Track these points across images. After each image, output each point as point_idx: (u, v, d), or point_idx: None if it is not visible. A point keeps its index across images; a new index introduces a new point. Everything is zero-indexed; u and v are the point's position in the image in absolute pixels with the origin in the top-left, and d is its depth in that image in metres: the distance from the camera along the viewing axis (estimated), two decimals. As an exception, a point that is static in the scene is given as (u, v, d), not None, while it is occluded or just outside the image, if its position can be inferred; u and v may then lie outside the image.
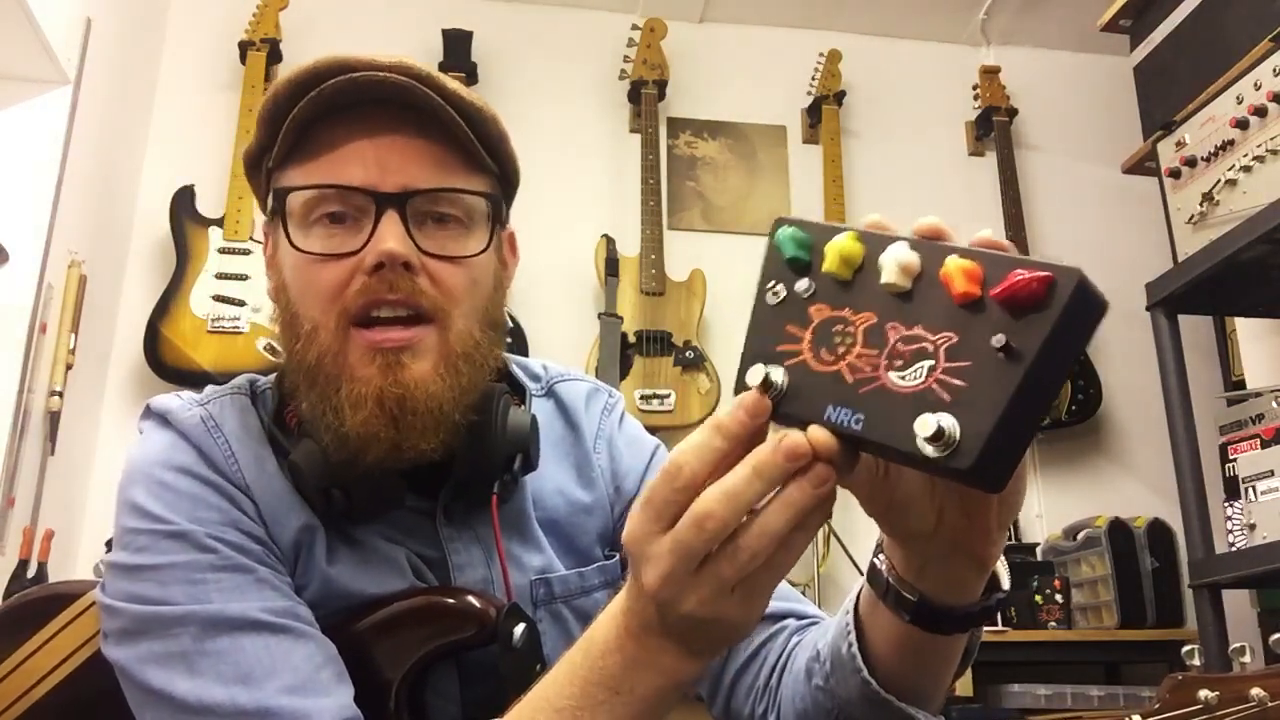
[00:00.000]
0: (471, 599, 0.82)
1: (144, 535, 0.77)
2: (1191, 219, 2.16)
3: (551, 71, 3.40)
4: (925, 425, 0.51)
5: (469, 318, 0.83)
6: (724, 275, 3.19)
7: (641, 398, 2.93)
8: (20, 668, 0.88)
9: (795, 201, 3.45)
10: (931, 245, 0.56)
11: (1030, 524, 3.18)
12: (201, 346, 2.76)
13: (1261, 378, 2.59)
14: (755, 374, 0.59)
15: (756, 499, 0.54)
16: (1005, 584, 0.68)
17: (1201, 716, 0.97)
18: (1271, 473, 1.95)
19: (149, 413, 0.86)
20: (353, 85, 0.80)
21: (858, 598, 0.74)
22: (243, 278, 2.84)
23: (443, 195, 0.83)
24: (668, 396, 2.96)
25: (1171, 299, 2.21)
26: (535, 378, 1.00)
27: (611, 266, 3.09)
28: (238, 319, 2.79)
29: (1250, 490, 1.99)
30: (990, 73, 3.57)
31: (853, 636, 0.72)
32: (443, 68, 3.11)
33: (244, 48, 3.11)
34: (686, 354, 3.01)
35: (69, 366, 2.47)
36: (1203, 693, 0.97)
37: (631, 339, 3.02)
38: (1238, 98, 2.04)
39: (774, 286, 0.62)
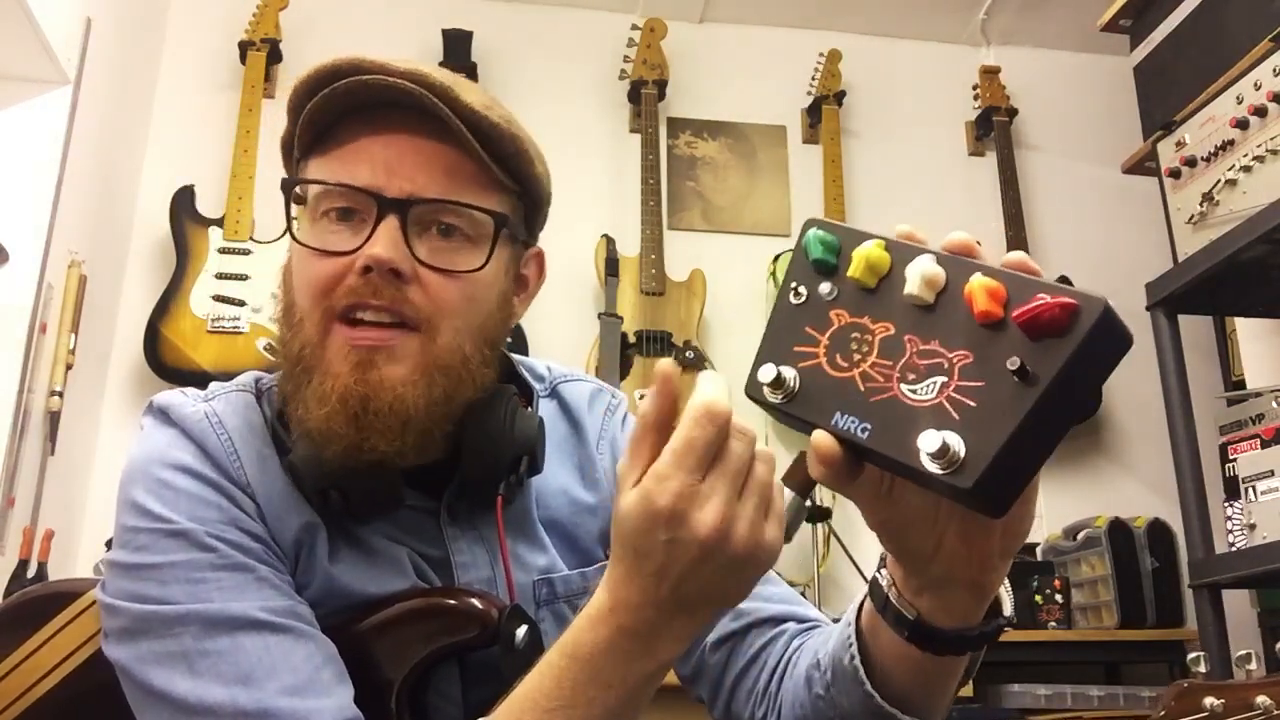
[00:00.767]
0: (473, 600, 0.82)
1: (144, 534, 0.77)
2: (1191, 219, 2.16)
3: (551, 71, 3.40)
4: (930, 441, 0.51)
5: (460, 332, 0.82)
6: (724, 275, 3.19)
7: (642, 398, 2.93)
8: (21, 666, 0.88)
9: (795, 201, 3.45)
10: (958, 261, 0.56)
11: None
12: (201, 346, 2.76)
13: (1261, 378, 2.59)
14: (767, 372, 0.59)
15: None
16: (1008, 611, 0.68)
17: (1207, 724, 0.97)
18: (1271, 473, 1.95)
19: (151, 408, 0.86)
20: (363, 87, 0.80)
21: (859, 608, 0.73)
22: (243, 278, 2.84)
23: (446, 206, 0.82)
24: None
25: (1171, 299, 2.21)
26: (539, 378, 1.00)
27: (611, 266, 3.09)
28: (238, 319, 2.79)
29: (1250, 490, 1.99)
30: (990, 73, 3.57)
31: (855, 649, 0.72)
32: (442, 67, 3.10)
33: (244, 48, 3.11)
34: (686, 354, 3.01)
35: (69, 366, 2.47)
36: (1208, 700, 0.97)
37: (631, 339, 3.02)
38: (1238, 98, 2.04)
39: (797, 287, 0.61)
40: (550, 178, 0.92)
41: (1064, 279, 3.33)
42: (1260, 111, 1.99)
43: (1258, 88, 1.99)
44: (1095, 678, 2.92)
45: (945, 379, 0.53)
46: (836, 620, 0.80)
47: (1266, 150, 1.97)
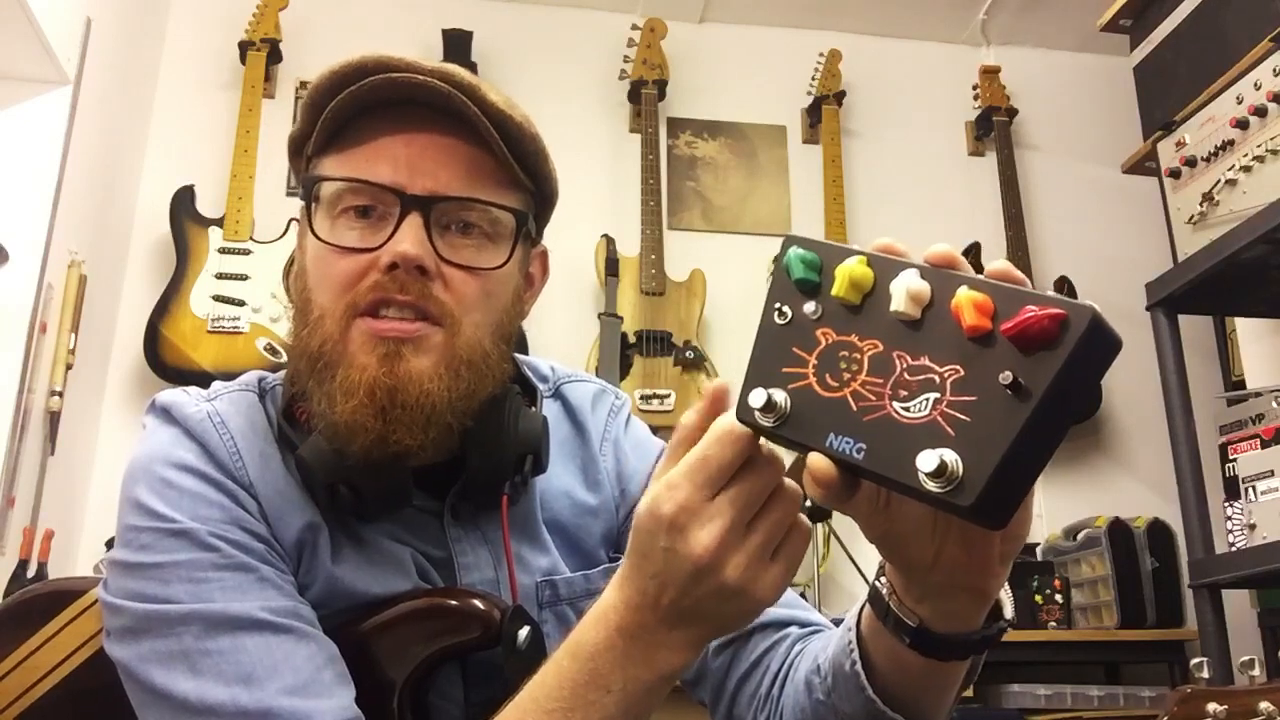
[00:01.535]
0: (476, 601, 0.82)
1: (146, 533, 0.77)
2: (1191, 219, 2.16)
3: (551, 71, 3.40)
4: (927, 460, 0.51)
5: (480, 327, 0.83)
6: (724, 275, 3.19)
7: (642, 398, 2.93)
8: (23, 664, 0.88)
9: (795, 201, 3.45)
10: (943, 274, 0.55)
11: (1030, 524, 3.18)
12: (202, 346, 2.76)
13: (1261, 378, 2.59)
14: (758, 396, 0.59)
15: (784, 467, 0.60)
16: (1009, 613, 0.67)
17: (1210, 731, 0.97)
18: (1271, 473, 1.95)
19: (154, 407, 0.85)
20: (391, 85, 0.81)
21: (860, 614, 0.73)
22: (243, 278, 2.84)
23: (469, 205, 0.83)
24: (668, 397, 2.96)
25: (1171, 299, 2.21)
26: (543, 378, 1.00)
27: (611, 266, 3.09)
28: (238, 319, 2.79)
29: (1250, 490, 1.99)
30: (990, 73, 3.57)
31: (856, 654, 0.72)
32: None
33: (244, 48, 3.11)
34: (686, 354, 3.01)
35: (69, 366, 2.46)
36: (1211, 706, 0.96)
37: (631, 339, 3.02)
38: (1238, 98, 2.04)
39: (781, 307, 0.61)
40: (558, 177, 0.92)
41: (1064, 279, 3.34)
42: (1260, 111, 1.99)
43: (1258, 88, 1.99)
44: (1095, 678, 2.92)
45: (937, 395, 0.53)
46: (838, 622, 0.80)
47: (1266, 150, 1.97)
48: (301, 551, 0.82)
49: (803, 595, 0.91)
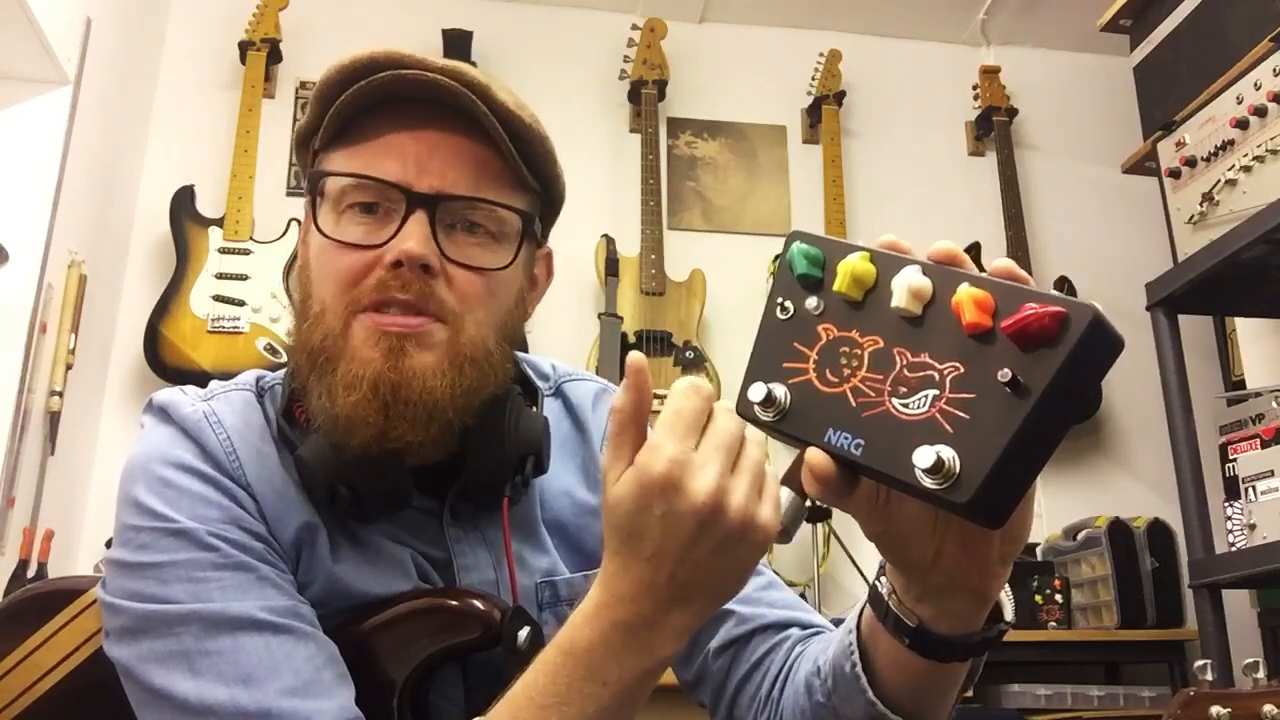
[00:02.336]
0: (476, 601, 0.82)
1: (145, 533, 0.77)
2: (1191, 219, 2.16)
3: (551, 71, 3.40)
4: (924, 456, 0.51)
5: (483, 326, 0.83)
6: (724, 275, 3.19)
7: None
8: (23, 663, 0.88)
9: (795, 201, 3.45)
10: (945, 271, 0.55)
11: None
12: (201, 346, 2.76)
13: (1261, 378, 2.59)
14: (757, 390, 0.59)
15: None
16: (1009, 615, 0.67)
17: (1214, 733, 0.96)
18: (1271, 473, 1.95)
19: (151, 407, 0.85)
20: (402, 82, 0.80)
21: (860, 616, 0.73)
22: (243, 278, 2.84)
23: (475, 204, 0.82)
24: (668, 396, 2.96)
25: (1171, 299, 2.21)
26: (544, 377, 0.99)
27: (611, 266, 3.09)
28: (238, 319, 2.79)
29: (1250, 490, 1.99)
30: (990, 73, 3.57)
31: (856, 656, 0.72)
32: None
33: (244, 48, 3.11)
34: (686, 354, 3.01)
35: (69, 366, 2.46)
36: (1214, 709, 0.96)
37: (631, 339, 3.02)
38: (1238, 98, 2.04)
39: (783, 302, 0.61)
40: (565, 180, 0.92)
41: (1064, 279, 3.34)
42: (1260, 111, 1.99)
43: (1258, 88, 1.99)
44: (1095, 678, 2.92)
45: (937, 392, 0.53)
46: (838, 623, 0.80)
47: (1266, 150, 1.97)
48: (300, 551, 0.82)
49: (802, 596, 0.91)
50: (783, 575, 0.94)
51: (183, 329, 2.77)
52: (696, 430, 0.59)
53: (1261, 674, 1.00)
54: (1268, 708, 0.94)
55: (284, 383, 0.88)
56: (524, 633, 0.81)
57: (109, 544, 0.82)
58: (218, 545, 0.77)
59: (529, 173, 0.86)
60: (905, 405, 0.54)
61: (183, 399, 0.85)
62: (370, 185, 0.82)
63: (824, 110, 3.44)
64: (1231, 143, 2.06)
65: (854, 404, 0.56)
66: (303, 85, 3.24)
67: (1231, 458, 2.11)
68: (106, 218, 2.82)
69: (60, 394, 2.43)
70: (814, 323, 0.59)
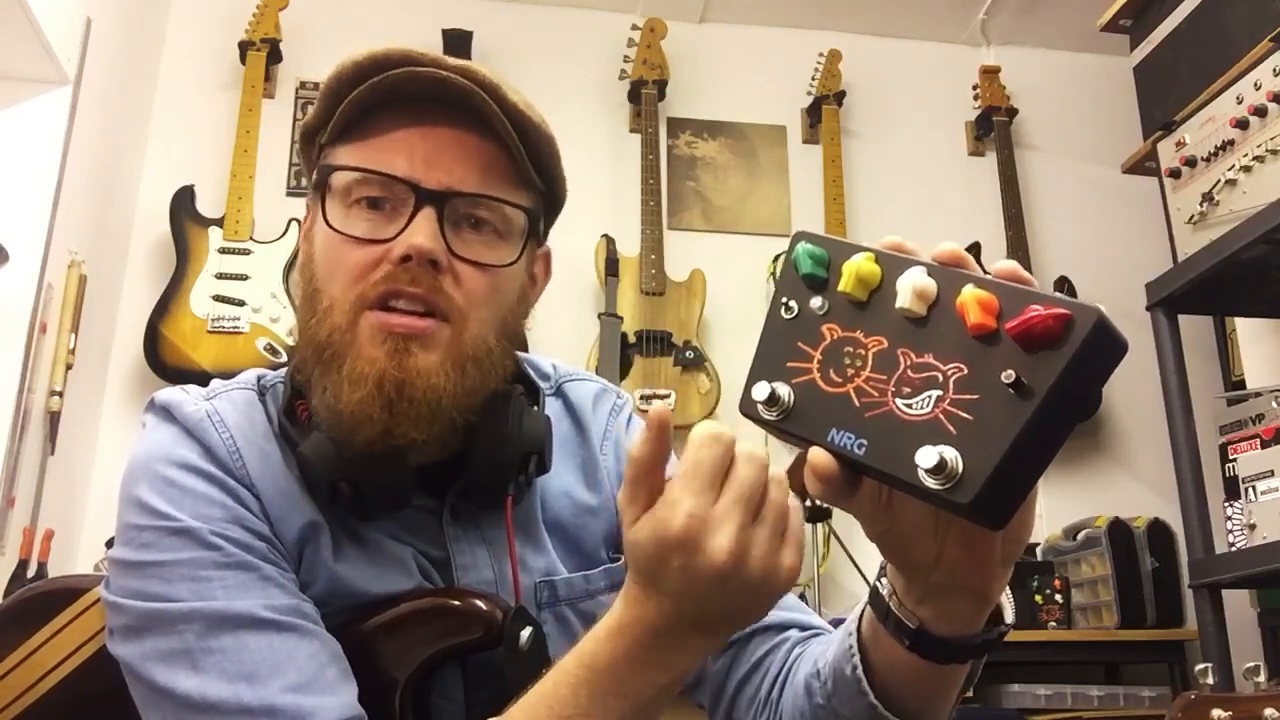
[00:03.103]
0: (479, 601, 0.82)
1: (148, 531, 0.77)
2: (1191, 219, 2.16)
3: (551, 71, 3.40)
4: (927, 457, 0.51)
5: (486, 324, 0.83)
6: (724, 275, 3.19)
7: (642, 398, 2.93)
8: (26, 662, 0.88)
9: (795, 202, 3.45)
10: (949, 272, 0.55)
11: (1030, 524, 3.18)
12: (202, 346, 2.76)
13: (1261, 378, 2.59)
14: (761, 390, 0.59)
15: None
16: (1009, 617, 0.68)
17: (1215, 737, 0.96)
18: (1271, 473, 1.95)
19: (153, 406, 0.85)
20: (415, 79, 0.81)
21: (860, 617, 0.73)
22: (243, 278, 2.84)
23: (482, 201, 0.83)
24: (668, 397, 2.96)
25: (1171, 299, 2.21)
26: (545, 376, 1.00)
27: (611, 266, 3.09)
28: (238, 319, 2.79)
29: (1250, 490, 1.99)
30: (990, 73, 3.57)
31: (857, 659, 0.72)
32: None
33: (244, 48, 3.11)
34: (686, 354, 3.01)
35: (69, 366, 2.46)
36: (1215, 712, 0.96)
37: (631, 339, 3.02)
38: (1238, 98, 2.04)
39: (788, 301, 0.61)
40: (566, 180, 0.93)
41: (1064, 279, 3.34)
42: (1260, 111, 1.99)
43: (1258, 88, 2.00)
44: (1095, 678, 2.92)
45: (940, 393, 0.53)
46: (838, 624, 0.80)
47: (1266, 150, 1.97)
48: (303, 549, 0.82)
49: (802, 596, 0.91)
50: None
51: (183, 329, 2.77)
52: (716, 483, 0.58)
53: (1262, 677, 0.99)
54: (1269, 711, 0.94)
55: (286, 381, 0.88)
56: (526, 633, 0.81)
57: (109, 544, 0.82)
58: (220, 544, 0.77)
59: (535, 172, 0.86)
60: (909, 406, 0.54)
61: (185, 398, 0.85)
62: (379, 180, 0.82)
63: (824, 110, 3.44)
64: (1231, 143, 2.06)
65: (857, 404, 0.56)
66: (303, 85, 3.24)
67: (1231, 458, 2.11)
68: (106, 218, 2.82)
69: (60, 394, 2.43)
70: (818, 322, 0.59)
